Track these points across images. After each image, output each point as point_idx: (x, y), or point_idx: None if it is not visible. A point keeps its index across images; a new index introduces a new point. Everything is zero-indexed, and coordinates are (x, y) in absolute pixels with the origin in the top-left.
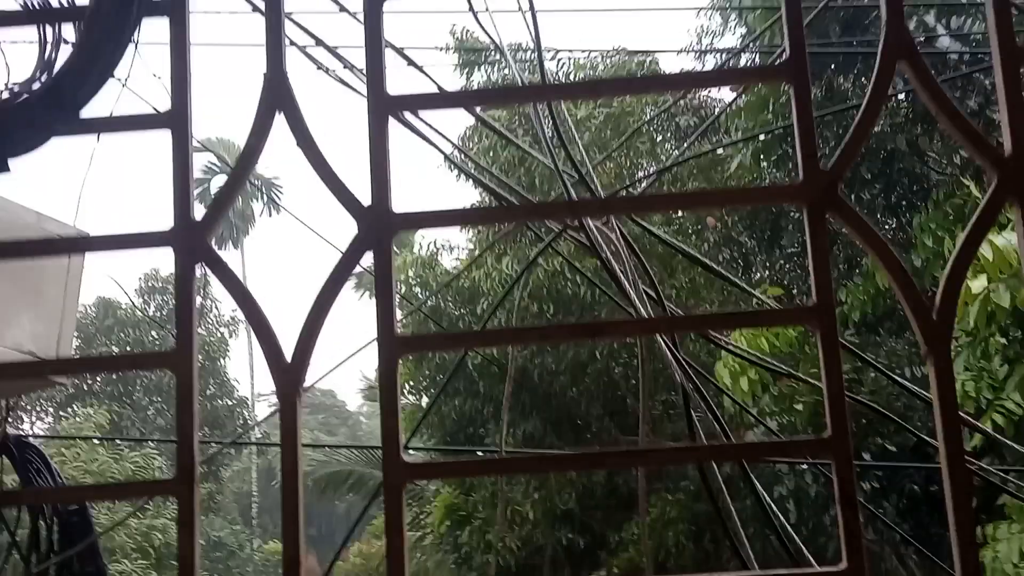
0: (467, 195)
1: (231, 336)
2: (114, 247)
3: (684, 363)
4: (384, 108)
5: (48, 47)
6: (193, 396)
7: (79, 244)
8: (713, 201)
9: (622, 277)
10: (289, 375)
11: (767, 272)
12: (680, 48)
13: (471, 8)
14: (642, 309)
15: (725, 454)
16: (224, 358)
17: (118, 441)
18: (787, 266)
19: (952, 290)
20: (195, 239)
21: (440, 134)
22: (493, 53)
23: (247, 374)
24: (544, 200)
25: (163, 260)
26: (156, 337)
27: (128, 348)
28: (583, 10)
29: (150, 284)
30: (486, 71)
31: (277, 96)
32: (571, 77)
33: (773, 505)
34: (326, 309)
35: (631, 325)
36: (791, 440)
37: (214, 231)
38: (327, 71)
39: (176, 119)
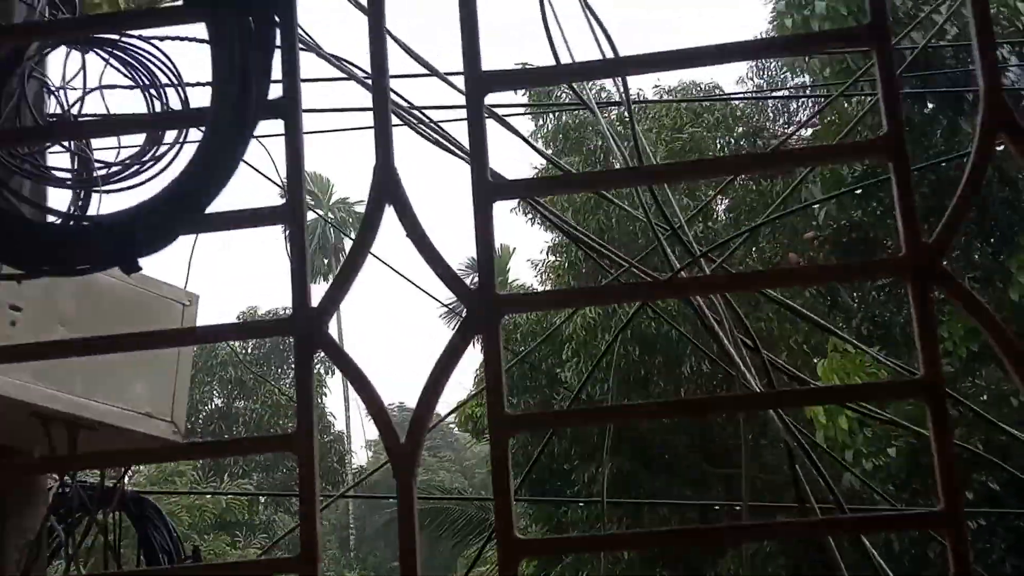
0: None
1: (327, 373)
2: (241, 335)
3: (792, 428)
4: (488, 196)
5: (172, 149)
6: (315, 476)
7: (209, 334)
8: (814, 278)
9: (723, 337)
10: (403, 459)
11: (856, 304)
12: (753, 90)
13: (571, 86)
14: (746, 373)
15: (838, 527)
16: (321, 396)
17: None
18: (879, 297)
19: None
20: (312, 326)
21: (542, 209)
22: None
23: (342, 408)
24: (640, 269)
25: (261, 297)
26: (253, 375)
27: (229, 386)
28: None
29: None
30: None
31: (386, 188)
32: (644, 116)
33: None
34: (438, 392)
35: (739, 401)
36: (904, 513)
37: (329, 317)
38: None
39: (291, 213)
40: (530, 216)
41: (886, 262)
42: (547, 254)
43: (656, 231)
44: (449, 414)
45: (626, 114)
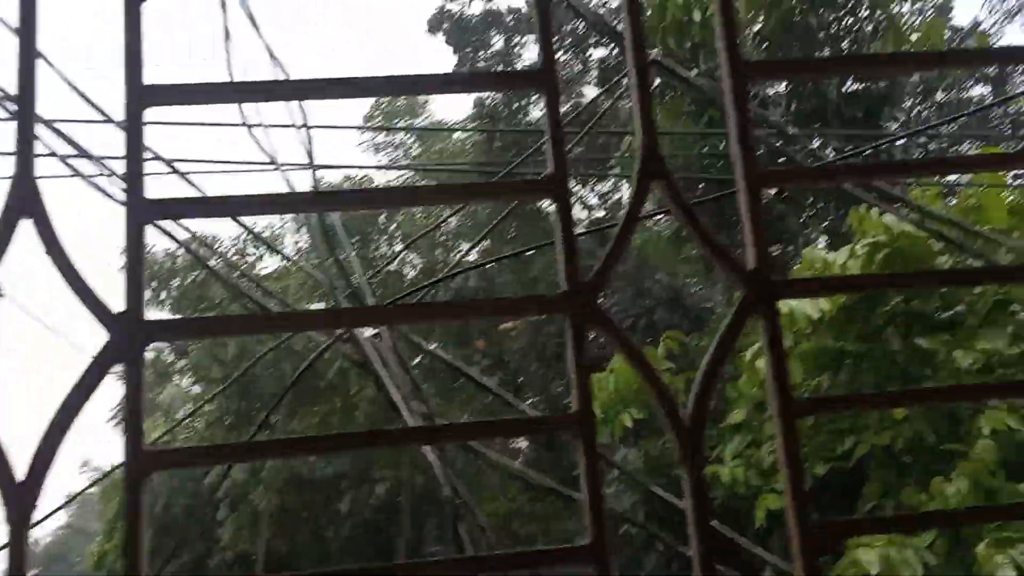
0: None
1: None
2: None
3: (449, 472)
4: (141, 215)
5: None
6: None
7: None
8: (484, 311)
9: (391, 387)
10: (21, 497)
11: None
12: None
13: (246, 123)
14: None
15: (483, 564)
16: None
17: None
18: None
19: (703, 403)
20: None
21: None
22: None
23: None
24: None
25: None
26: None
27: None
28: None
29: None
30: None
31: (25, 202)
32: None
33: None
34: (69, 423)
35: (404, 435)
36: (550, 550)
37: None
38: (84, 177)
39: None
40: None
41: (546, 301)
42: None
43: (333, 290)
44: (84, 490)
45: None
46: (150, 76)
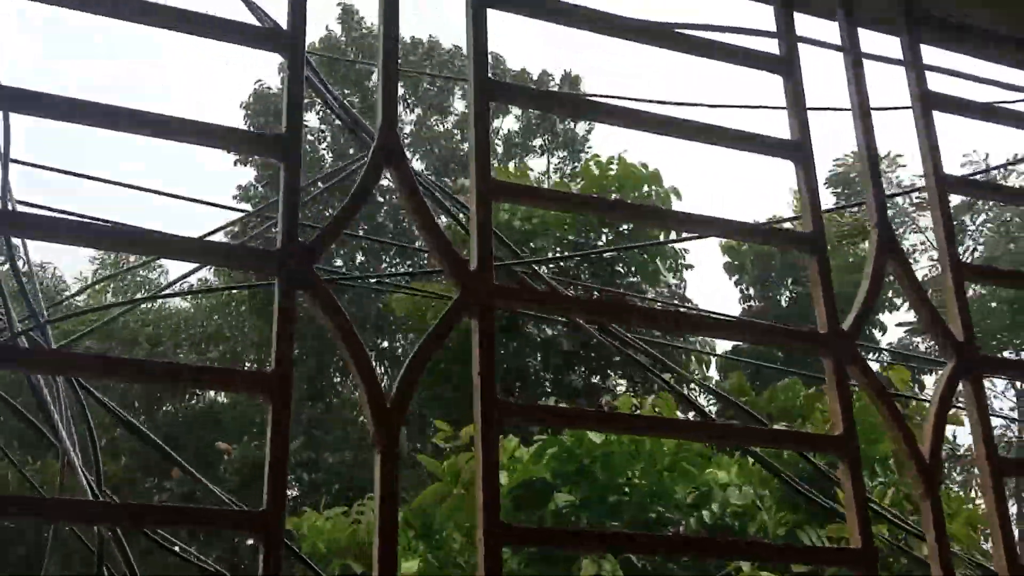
0: None
1: None
2: None
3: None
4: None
5: None
6: None
7: None
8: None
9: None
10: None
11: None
12: None
13: None
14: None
15: None
16: None
17: None
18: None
19: (408, 384)
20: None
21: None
22: None
23: None
24: None
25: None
26: None
27: None
28: None
29: None
30: None
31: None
32: None
33: None
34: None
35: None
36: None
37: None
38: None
39: None
40: None
41: (260, 253)
42: None
43: None
44: None
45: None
46: None
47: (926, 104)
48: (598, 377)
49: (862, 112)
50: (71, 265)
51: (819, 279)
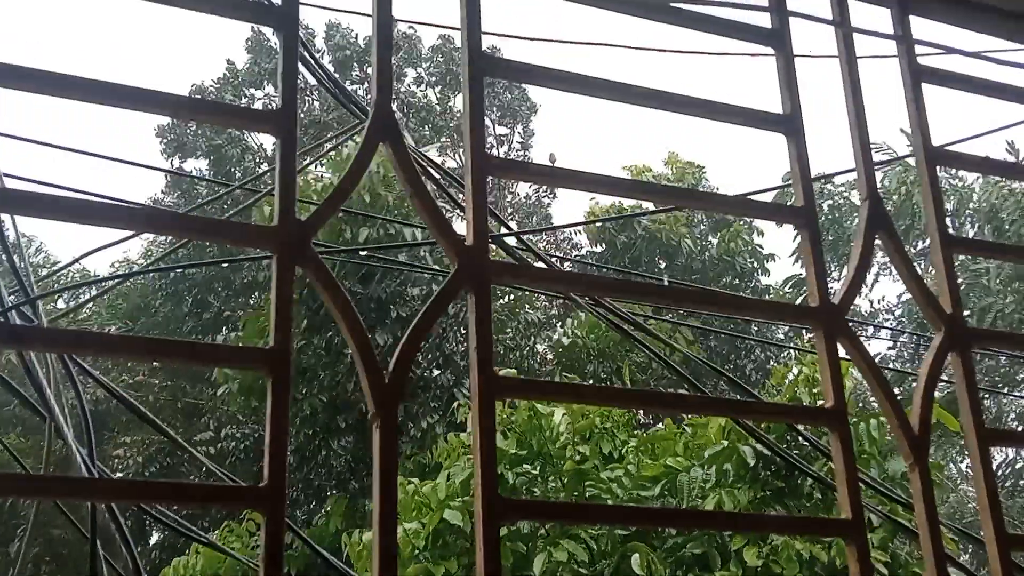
0: None
1: None
2: None
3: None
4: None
5: None
6: None
7: None
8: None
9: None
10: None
11: None
12: None
13: None
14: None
15: None
16: None
17: None
18: None
19: (406, 357)
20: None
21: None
22: None
23: None
24: None
25: None
26: None
27: None
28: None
29: None
30: None
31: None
32: None
33: None
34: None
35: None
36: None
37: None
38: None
39: None
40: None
41: (260, 231)
42: None
43: None
44: None
45: None
46: None
47: (916, 77)
48: None
49: (852, 85)
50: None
51: (810, 252)
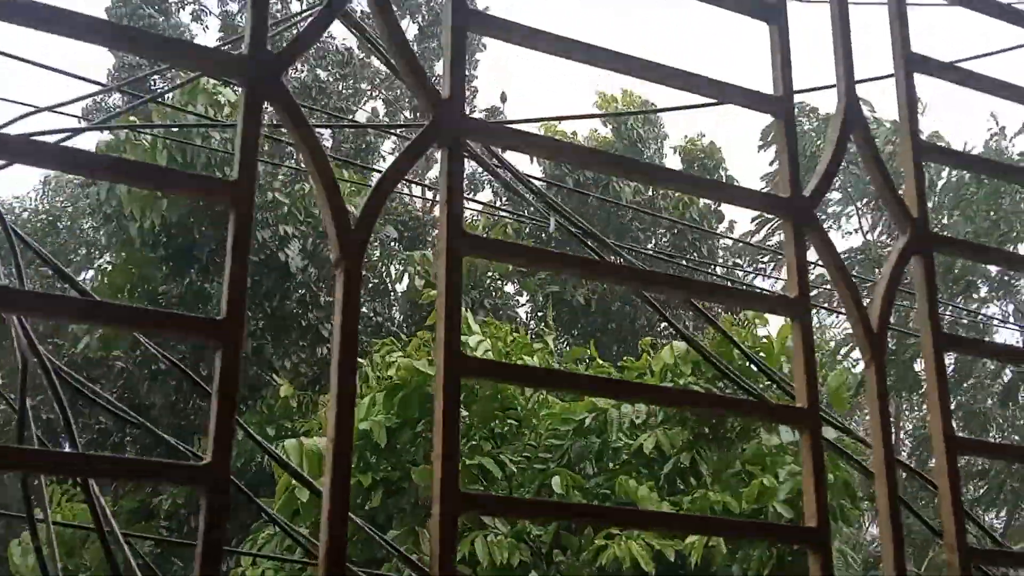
0: None
1: None
2: None
3: None
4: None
5: None
6: None
7: None
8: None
9: None
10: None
11: None
12: None
13: None
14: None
15: None
16: None
17: None
18: None
19: (373, 209)
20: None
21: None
22: None
23: None
24: None
25: None
26: None
27: None
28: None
29: None
30: None
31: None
32: None
33: None
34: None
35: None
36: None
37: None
38: None
39: None
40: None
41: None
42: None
43: None
44: None
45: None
46: None
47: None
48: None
49: (841, 13)
50: None
51: (784, 142)
